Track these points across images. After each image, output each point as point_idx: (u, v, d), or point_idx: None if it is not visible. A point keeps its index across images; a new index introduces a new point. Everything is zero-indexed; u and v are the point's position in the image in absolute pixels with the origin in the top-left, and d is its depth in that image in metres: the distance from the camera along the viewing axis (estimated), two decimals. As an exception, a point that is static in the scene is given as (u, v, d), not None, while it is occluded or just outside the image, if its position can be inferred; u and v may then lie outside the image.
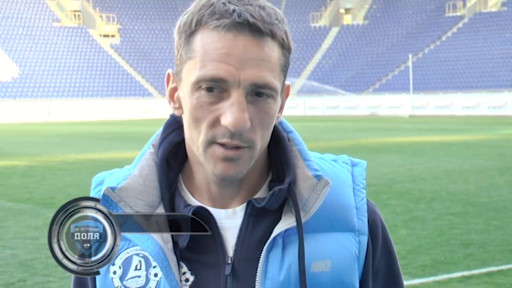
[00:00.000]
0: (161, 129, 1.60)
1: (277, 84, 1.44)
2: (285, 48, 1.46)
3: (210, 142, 1.42)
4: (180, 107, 1.51)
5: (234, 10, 1.40)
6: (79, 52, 69.62)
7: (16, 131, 39.05)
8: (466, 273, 7.59)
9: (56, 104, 59.84)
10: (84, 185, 14.37)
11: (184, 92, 1.46)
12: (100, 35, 73.54)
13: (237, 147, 1.42)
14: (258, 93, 1.42)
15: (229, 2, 1.42)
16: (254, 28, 1.40)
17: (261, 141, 1.45)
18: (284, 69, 1.47)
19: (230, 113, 1.39)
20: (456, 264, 7.93)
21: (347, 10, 79.78)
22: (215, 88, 1.41)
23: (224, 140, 1.41)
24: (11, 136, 34.43)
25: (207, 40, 1.42)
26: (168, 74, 1.53)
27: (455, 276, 7.49)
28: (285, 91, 1.54)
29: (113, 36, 74.08)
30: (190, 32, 1.44)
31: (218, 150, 1.42)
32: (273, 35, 1.43)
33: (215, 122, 1.41)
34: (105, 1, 78.60)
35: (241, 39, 1.40)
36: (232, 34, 1.40)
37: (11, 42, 67.58)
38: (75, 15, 74.69)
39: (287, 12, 79.60)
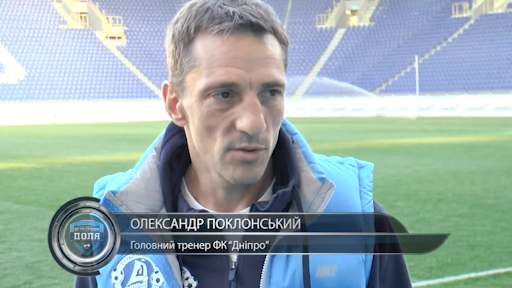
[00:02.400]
0: (163, 132, 1.58)
1: (285, 80, 1.43)
2: (283, 42, 1.45)
3: (227, 149, 1.41)
4: (183, 118, 1.49)
5: (234, 12, 1.38)
6: (85, 54, 69.71)
7: (23, 133, 39.11)
8: (473, 274, 7.56)
9: (62, 106, 59.90)
10: (91, 187, 14.32)
11: (190, 102, 1.43)
12: (107, 37, 73.60)
13: (254, 150, 1.40)
14: (268, 91, 1.40)
15: (224, 4, 1.40)
16: (256, 28, 1.39)
17: (274, 139, 1.45)
18: (286, 64, 1.47)
19: (246, 117, 1.37)
20: (463, 265, 7.91)
21: (353, 12, 79.70)
22: (227, 93, 1.39)
23: (243, 145, 1.39)
24: (18, 138, 34.47)
25: (211, 46, 1.39)
26: (165, 85, 1.50)
27: (461, 278, 7.46)
28: None
29: (119, 38, 74.15)
30: (188, 40, 1.42)
31: (237, 155, 1.40)
32: (275, 32, 1.42)
33: (230, 128, 1.39)
34: (112, 3, 78.69)
35: (245, 40, 1.38)
36: (235, 37, 1.38)
37: (17, 44, 67.69)
38: (81, 17, 74.77)
39: (293, 13, 79.64)
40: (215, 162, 1.43)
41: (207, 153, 1.44)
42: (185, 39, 1.42)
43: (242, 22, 1.38)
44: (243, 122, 1.37)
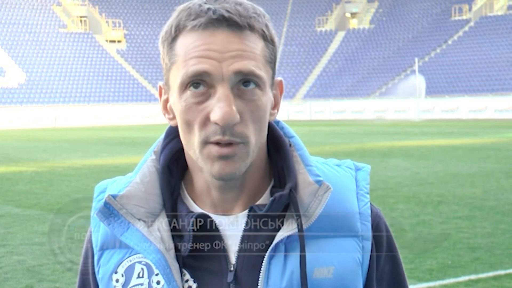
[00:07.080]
0: (162, 136, 1.60)
1: (262, 73, 1.43)
2: (268, 40, 1.46)
3: (204, 143, 1.42)
4: (174, 117, 1.51)
5: (209, 9, 1.41)
6: (85, 58, 69.72)
7: (23, 137, 39.10)
8: (473, 276, 7.57)
9: (62, 109, 59.92)
10: (91, 190, 14.18)
11: (174, 98, 1.46)
12: (107, 41, 73.64)
13: (230, 144, 1.41)
14: (244, 82, 1.41)
15: (205, 3, 1.43)
16: (231, 23, 1.41)
17: (255, 135, 1.44)
18: (270, 62, 1.47)
19: (218, 108, 1.39)
20: (463, 268, 7.92)
21: (353, 14, 79.70)
22: (200, 84, 1.41)
23: (217, 138, 1.40)
24: (18, 142, 34.47)
25: (187, 41, 1.43)
26: (160, 87, 1.53)
27: (462, 280, 7.47)
28: (278, 87, 1.54)
29: (119, 41, 74.18)
30: (171, 39, 1.45)
31: (213, 149, 1.41)
32: (251, 27, 1.43)
33: (206, 121, 1.41)
34: (111, 7, 78.74)
35: (219, 34, 1.41)
36: (209, 31, 1.41)
37: (17, 48, 67.70)
38: (81, 21, 74.79)
39: (293, 16, 79.63)
40: (197, 158, 1.45)
41: (191, 149, 1.46)
42: (169, 39, 1.46)
43: (215, 17, 1.41)
44: (215, 113, 1.39)
